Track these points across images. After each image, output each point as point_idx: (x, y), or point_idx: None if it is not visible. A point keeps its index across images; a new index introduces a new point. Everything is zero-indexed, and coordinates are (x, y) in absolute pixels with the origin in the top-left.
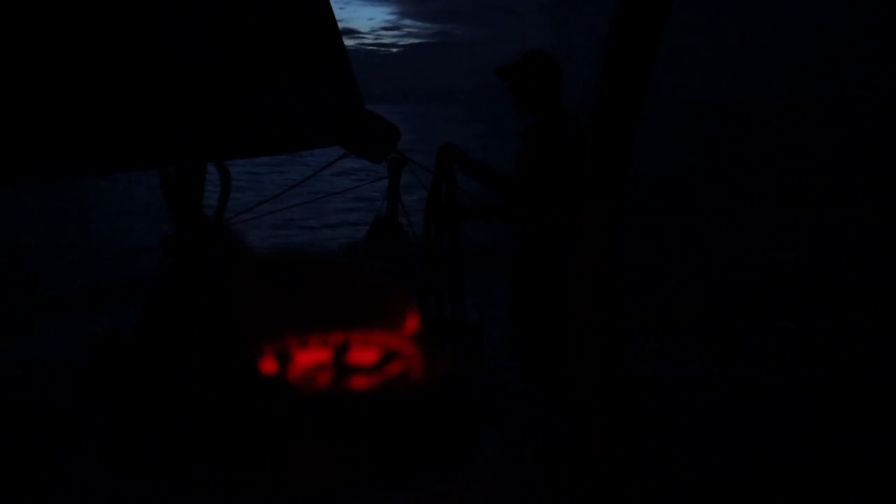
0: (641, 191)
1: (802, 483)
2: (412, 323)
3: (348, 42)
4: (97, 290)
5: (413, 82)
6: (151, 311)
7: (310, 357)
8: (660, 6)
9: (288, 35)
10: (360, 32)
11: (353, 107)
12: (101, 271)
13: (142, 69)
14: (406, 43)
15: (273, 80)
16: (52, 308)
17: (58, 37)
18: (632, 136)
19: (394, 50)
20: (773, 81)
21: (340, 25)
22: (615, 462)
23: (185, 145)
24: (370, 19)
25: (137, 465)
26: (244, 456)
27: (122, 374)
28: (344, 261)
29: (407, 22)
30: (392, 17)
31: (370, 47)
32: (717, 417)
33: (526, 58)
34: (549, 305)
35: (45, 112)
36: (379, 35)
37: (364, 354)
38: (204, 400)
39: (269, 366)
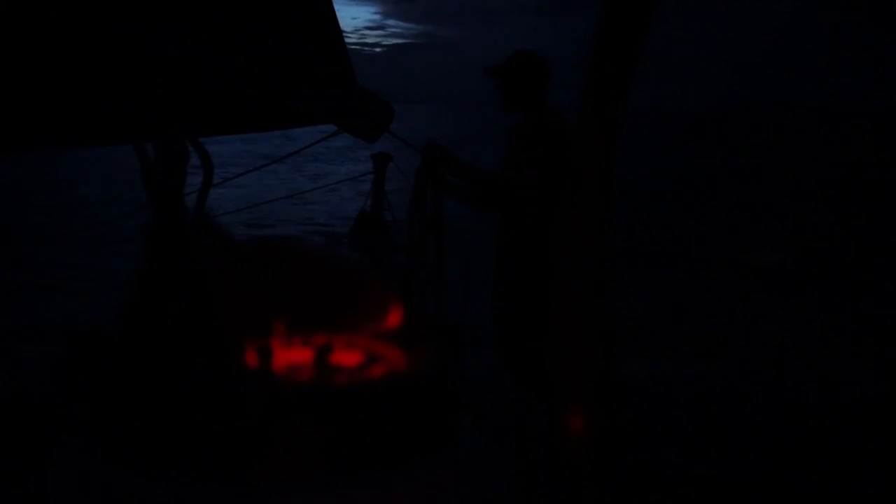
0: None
1: (790, 482)
2: (395, 319)
3: None
4: (78, 274)
5: (398, 82)
6: (132, 302)
7: (293, 356)
8: (644, 8)
9: (278, 8)
10: (343, 31)
11: (345, 83)
12: (79, 255)
13: (124, 44)
14: (390, 43)
15: (263, 55)
16: (31, 292)
17: (39, 14)
18: (619, 125)
19: (378, 49)
20: (766, 86)
21: None
22: (596, 457)
23: (170, 121)
24: (354, 18)
25: (119, 456)
26: (226, 447)
27: (103, 367)
28: (328, 255)
29: (391, 22)
30: (376, 17)
31: (354, 47)
32: (700, 417)
33: (514, 57)
34: (532, 302)
35: (26, 87)
36: (363, 35)
37: (347, 357)
38: (186, 392)
39: (251, 360)
